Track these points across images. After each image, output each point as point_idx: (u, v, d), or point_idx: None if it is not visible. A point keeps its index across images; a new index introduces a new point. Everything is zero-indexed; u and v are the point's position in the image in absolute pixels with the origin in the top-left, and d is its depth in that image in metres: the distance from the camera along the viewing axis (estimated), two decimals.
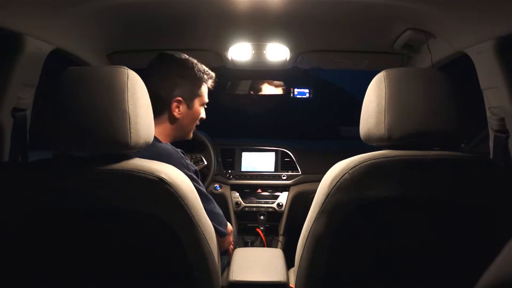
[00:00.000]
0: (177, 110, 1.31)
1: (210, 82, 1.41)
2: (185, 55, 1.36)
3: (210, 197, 1.28)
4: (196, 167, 1.28)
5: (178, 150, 1.24)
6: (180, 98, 1.31)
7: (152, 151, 1.13)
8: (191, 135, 1.45)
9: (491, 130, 1.20)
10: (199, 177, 1.26)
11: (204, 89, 1.39)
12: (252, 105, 2.97)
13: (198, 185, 1.20)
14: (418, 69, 1.04)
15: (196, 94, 1.36)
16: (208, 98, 1.44)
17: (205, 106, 1.45)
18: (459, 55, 1.34)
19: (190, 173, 1.19)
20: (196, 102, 1.37)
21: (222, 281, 1.29)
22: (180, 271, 0.96)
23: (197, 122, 1.43)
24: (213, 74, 1.41)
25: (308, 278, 0.98)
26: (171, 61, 1.34)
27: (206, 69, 1.38)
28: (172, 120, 1.33)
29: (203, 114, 1.43)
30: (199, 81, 1.35)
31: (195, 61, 1.36)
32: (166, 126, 1.33)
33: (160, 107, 1.29)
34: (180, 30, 1.48)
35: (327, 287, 0.98)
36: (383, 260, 0.98)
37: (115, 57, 1.68)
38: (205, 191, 1.26)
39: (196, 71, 1.34)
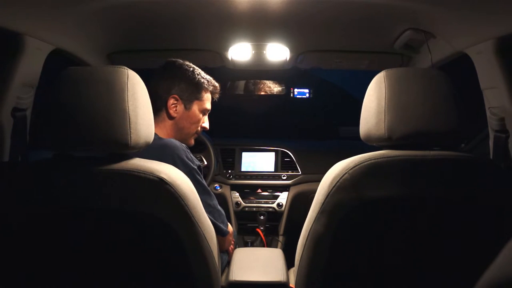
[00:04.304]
0: (173, 108, 1.35)
1: (213, 90, 1.46)
2: (191, 63, 1.41)
3: (212, 193, 1.30)
4: (200, 163, 1.29)
5: (183, 144, 1.26)
6: (176, 96, 1.35)
7: (158, 143, 1.17)
8: (193, 141, 1.47)
9: (491, 130, 1.20)
10: (202, 173, 1.27)
11: (206, 96, 1.43)
12: (252, 105, 2.97)
13: (201, 180, 1.23)
14: (418, 69, 1.04)
15: (195, 97, 1.39)
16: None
17: (206, 114, 1.47)
18: (459, 55, 1.34)
19: (194, 166, 1.22)
20: (195, 105, 1.40)
21: (222, 281, 1.29)
22: (180, 271, 0.96)
23: (199, 129, 1.45)
24: (217, 85, 1.47)
25: (308, 278, 0.98)
26: (174, 64, 1.40)
27: (211, 78, 1.44)
28: (170, 118, 1.36)
29: (206, 124, 1.47)
30: (199, 85, 1.40)
31: (199, 69, 1.42)
32: (165, 124, 1.37)
33: (158, 105, 1.33)
34: (180, 30, 1.48)
35: (327, 287, 0.98)
36: (383, 260, 0.98)
37: (115, 57, 1.68)
38: (207, 187, 1.28)
39: (197, 75, 1.39)
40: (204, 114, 1.45)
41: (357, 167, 0.89)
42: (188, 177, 0.98)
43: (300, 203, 2.18)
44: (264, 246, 2.18)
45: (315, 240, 0.94)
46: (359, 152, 0.94)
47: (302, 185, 2.24)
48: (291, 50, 1.70)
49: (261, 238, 2.18)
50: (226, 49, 1.69)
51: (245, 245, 2.26)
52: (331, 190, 0.90)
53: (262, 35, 1.57)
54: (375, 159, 0.89)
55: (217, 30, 1.49)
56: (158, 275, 0.97)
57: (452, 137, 0.94)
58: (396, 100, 0.91)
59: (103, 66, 1.26)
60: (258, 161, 2.31)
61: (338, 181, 0.89)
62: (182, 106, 1.37)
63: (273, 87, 2.48)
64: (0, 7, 0.97)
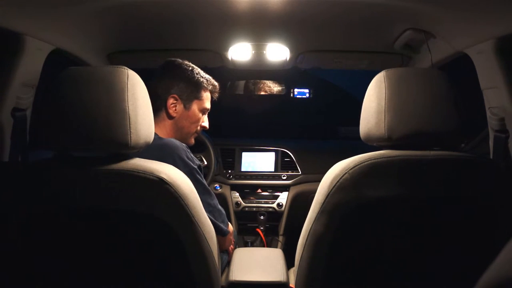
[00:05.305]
0: (173, 108, 1.36)
1: (212, 90, 1.46)
2: (190, 63, 1.42)
3: (213, 193, 1.30)
4: (200, 163, 1.29)
5: (183, 144, 1.26)
6: (175, 95, 1.35)
7: (158, 143, 1.17)
8: (193, 141, 1.47)
9: (491, 130, 1.20)
10: (202, 172, 1.27)
11: (205, 95, 1.44)
12: (252, 105, 2.96)
13: (202, 180, 1.23)
14: (418, 69, 1.04)
15: (194, 96, 1.39)
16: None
17: (206, 113, 1.47)
18: (459, 55, 1.34)
19: (195, 166, 1.22)
20: (194, 105, 1.40)
21: (222, 281, 1.29)
22: (180, 271, 0.96)
23: (198, 128, 1.45)
24: (216, 84, 1.47)
25: (308, 278, 0.98)
26: (173, 64, 1.40)
27: (210, 78, 1.44)
28: (169, 118, 1.37)
29: (205, 123, 1.47)
30: (198, 85, 1.40)
31: (198, 69, 1.42)
32: (165, 124, 1.37)
33: (157, 105, 1.33)
34: (180, 30, 1.48)
35: (327, 287, 0.98)
36: (383, 260, 0.98)
37: (115, 57, 1.68)
38: (208, 186, 1.28)
39: (196, 74, 1.39)
40: (203, 114, 1.45)
41: (357, 167, 0.89)
42: (189, 176, 0.98)
43: (300, 203, 2.18)
44: (264, 246, 2.18)
45: (315, 240, 0.94)
46: (359, 152, 0.94)
47: (302, 185, 2.24)
48: (291, 50, 1.70)
49: (261, 238, 2.18)
50: (226, 49, 1.69)
51: (245, 245, 2.26)
52: (331, 190, 0.90)
53: (262, 35, 1.57)
54: (375, 159, 0.89)
55: (217, 30, 1.49)
56: (158, 275, 0.97)
57: (452, 137, 0.94)
58: (396, 100, 0.91)
59: (103, 66, 1.26)
60: (258, 161, 2.31)
61: (338, 181, 0.89)
62: (182, 105, 1.37)
63: (273, 87, 2.48)
64: (0, 7, 0.97)
